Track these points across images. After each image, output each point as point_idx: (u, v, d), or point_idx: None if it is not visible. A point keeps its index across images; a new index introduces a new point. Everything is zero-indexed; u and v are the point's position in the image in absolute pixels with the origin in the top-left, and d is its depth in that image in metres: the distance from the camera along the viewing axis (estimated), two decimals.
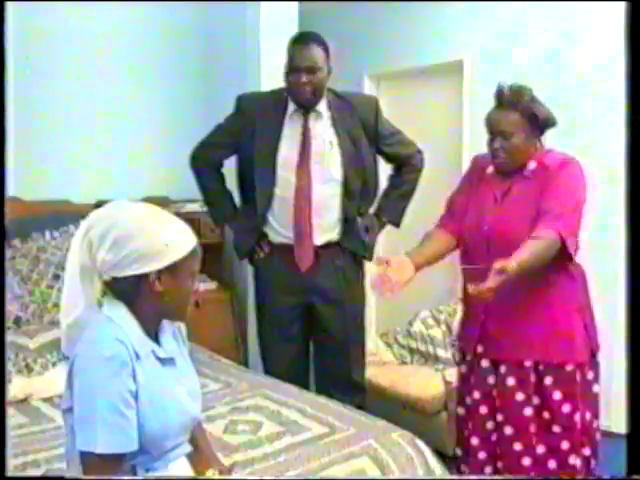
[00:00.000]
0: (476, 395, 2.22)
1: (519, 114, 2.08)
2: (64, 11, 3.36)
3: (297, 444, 2.01)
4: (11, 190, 2.99)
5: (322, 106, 2.64)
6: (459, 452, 2.34)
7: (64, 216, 3.25)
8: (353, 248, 2.73)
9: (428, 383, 3.10)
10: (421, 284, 4.04)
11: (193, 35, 3.82)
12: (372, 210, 2.86)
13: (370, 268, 2.35)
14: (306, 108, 2.62)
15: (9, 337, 2.65)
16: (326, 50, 2.58)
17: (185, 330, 1.58)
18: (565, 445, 2.11)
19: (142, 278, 1.37)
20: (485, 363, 2.20)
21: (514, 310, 2.11)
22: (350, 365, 2.80)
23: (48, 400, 2.39)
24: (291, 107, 2.64)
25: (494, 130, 2.12)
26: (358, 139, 2.66)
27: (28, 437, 2.08)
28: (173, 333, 1.53)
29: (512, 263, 1.88)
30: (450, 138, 3.94)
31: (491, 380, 2.19)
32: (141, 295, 1.39)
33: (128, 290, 1.39)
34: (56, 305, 3.01)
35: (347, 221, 2.70)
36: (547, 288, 2.10)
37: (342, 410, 2.29)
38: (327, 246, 2.68)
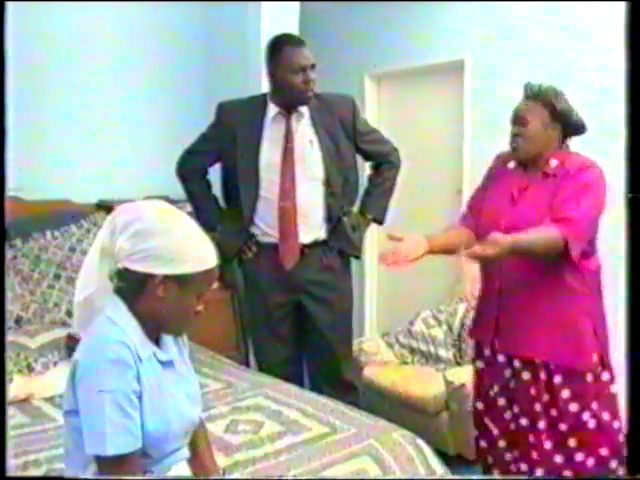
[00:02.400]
0: (495, 388, 2.26)
1: (539, 103, 2.12)
2: (65, 11, 3.37)
3: (298, 444, 2.01)
4: (11, 190, 2.99)
5: (303, 106, 2.66)
6: (484, 444, 2.36)
7: (65, 216, 3.26)
8: (341, 247, 2.76)
9: (429, 383, 3.10)
10: (422, 284, 4.07)
11: (194, 35, 3.82)
12: (355, 208, 2.88)
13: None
14: (290, 109, 2.65)
15: (10, 337, 2.66)
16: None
17: (186, 335, 1.59)
18: (572, 443, 2.12)
19: (149, 278, 1.37)
20: (502, 358, 2.23)
21: (525, 308, 2.14)
22: (339, 363, 2.83)
23: (49, 400, 2.39)
24: (273, 110, 2.66)
25: (514, 118, 2.17)
26: (337, 137, 2.69)
27: (29, 437, 2.08)
28: (174, 337, 1.53)
29: (507, 238, 1.93)
30: (450, 138, 3.94)
31: (507, 374, 2.22)
32: (144, 295, 1.39)
33: (133, 287, 1.39)
34: (57, 305, 3.01)
35: (332, 220, 2.72)
36: (557, 290, 2.11)
37: (343, 410, 2.29)
38: (314, 244, 2.71)
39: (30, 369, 2.59)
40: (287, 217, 2.65)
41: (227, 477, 1.71)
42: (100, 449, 1.30)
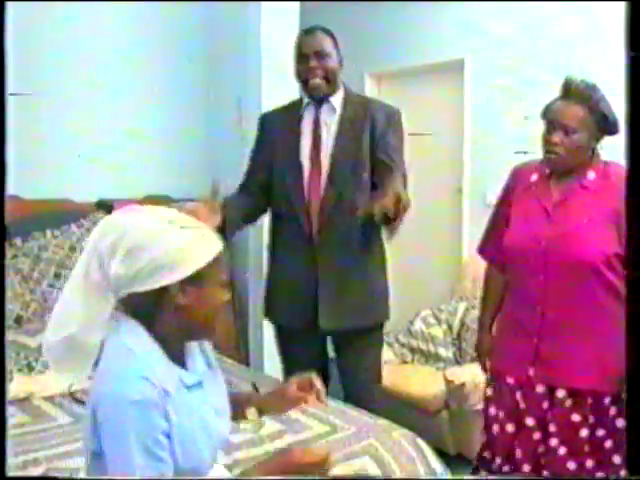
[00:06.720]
0: (530, 422, 2.04)
1: (587, 110, 1.88)
2: (65, 9, 3.36)
3: (298, 443, 2.01)
4: (11, 189, 2.98)
5: (337, 99, 2.45)
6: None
7: (65, 215, 3.26)
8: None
9: (429, 382, 3.10)
10: (422, 283, 4.07)
11: (194, 35, 3.82)
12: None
13: None
14: (320, 101, 2.44)
15: (10, 336, 2.65)
16: (334, 39, 2.47)
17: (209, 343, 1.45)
18: (617, 459, 1.98)
19: (163, 292, 1.22)
20: (540, 388, 2.02)
21: (568, 336, 1.98)
22: (370, 372, 2.60)
23: (49, 399, 2.39)
24: (305, 102, 2.48)
25: (555, 122, 1.91)
26: (362, 146, 2.42)
27: (29, 436, 2.08)
28: (200, 348, 1.41)
29: None
30: (451, 137, 3.94)
31: (545, 405, 2.02)
32: (163, 312, 1.25)
33: (147, 307, 1.25)
34: None
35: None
36: (601, 314, 1.96)
37: (343, 409, 2.30)
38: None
39: (30, 368, 2.59)
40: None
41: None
42: None
